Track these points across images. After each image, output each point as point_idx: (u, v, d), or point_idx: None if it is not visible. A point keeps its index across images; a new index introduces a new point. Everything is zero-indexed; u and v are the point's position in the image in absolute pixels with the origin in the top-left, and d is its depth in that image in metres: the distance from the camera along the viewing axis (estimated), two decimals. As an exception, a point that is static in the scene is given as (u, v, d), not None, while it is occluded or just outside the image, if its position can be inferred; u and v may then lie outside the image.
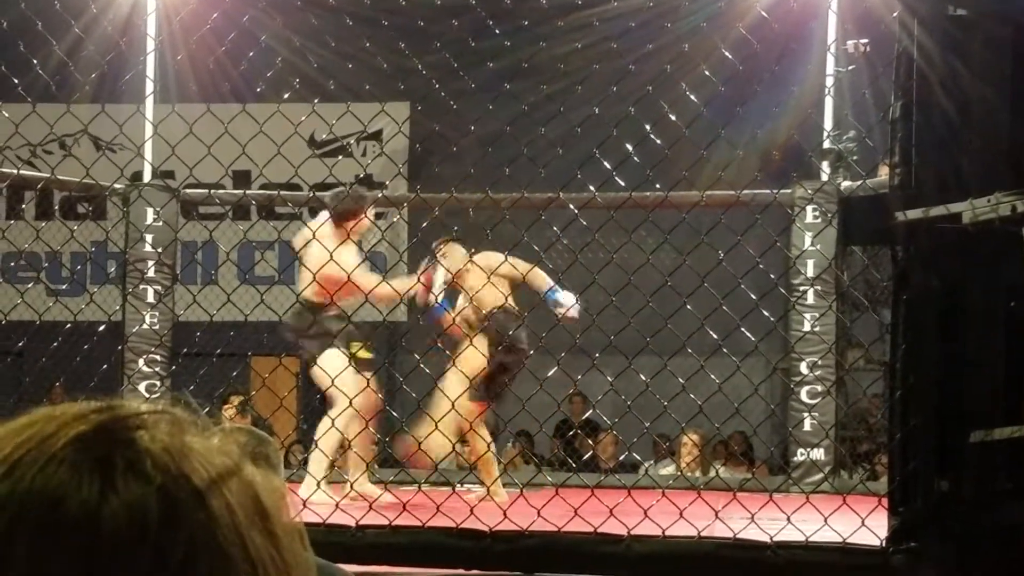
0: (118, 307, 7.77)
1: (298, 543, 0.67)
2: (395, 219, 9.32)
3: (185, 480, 0.62)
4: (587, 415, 9.70)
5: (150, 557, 0.60)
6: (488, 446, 6.50)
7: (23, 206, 10.03)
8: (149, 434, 0.64)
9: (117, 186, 7.90)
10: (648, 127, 5.12)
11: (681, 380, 5.01)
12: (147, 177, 8.01)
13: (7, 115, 5.37)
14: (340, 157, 9.95)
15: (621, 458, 8.92)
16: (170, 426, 0.65)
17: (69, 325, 7.09)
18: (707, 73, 5.16)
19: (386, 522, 4.65)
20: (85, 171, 6.19)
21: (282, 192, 8.11)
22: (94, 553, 0.60)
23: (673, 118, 5.16)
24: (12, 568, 0.59)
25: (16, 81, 5.39)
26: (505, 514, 4.80)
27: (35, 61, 5.47)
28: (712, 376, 5.20)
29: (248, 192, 9.02)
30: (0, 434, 0.64)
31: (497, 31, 5.66)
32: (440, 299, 6.63)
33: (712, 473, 7.97)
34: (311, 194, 7.96)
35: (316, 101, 5.26)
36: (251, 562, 0.63)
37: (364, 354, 6.48)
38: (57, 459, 0.61)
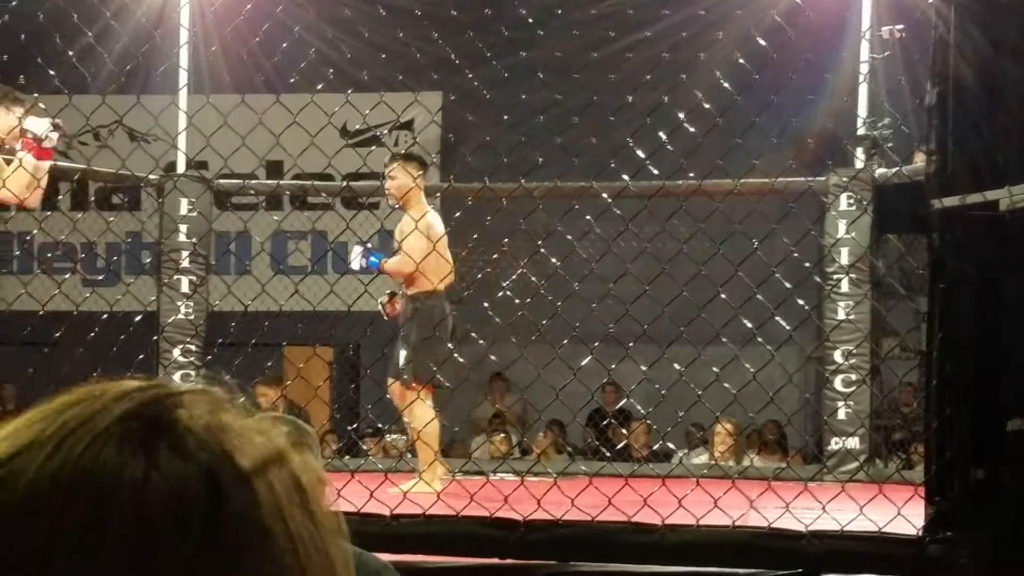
0: (153, 298, 7.81)
1: (337, 531, 0.68)
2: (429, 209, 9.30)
3: (227, 458, 0.64)
4: (620, 404, 9.69)
5: (196, 534, 0.61)
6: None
7: (59, 197, 10.10)
8: (189, 412, 0.65)
9: (152, 177, 7.94)
10: (682, 115, 5.09)
11: (715, 369, 4.99)
12: (181, 168, 8.04)
13: (44, 107, 5.41)
14: (373, 147, 9.96)
15: (655, 447, 8.92)
16: (210, 405, 0.67)
17: (105, 316, 7.13)
18: (741, 61, 5.12)
19: (420, 511, 4.66)
20: (121, 162, 6.22)
21: (316, 182, 8.13)
22: (141, 530, 0.61)
23: (707, 106, 5.14)
24: (61, 544, 0.61)
25: (52, 72, 5.41)
26: (539, 503, 4.80)
27: (70, 53, 5.50)
28: (747, 365, 5.18)
29: (281, 182, 9.04)
30: (45, 411, 0.66)
31: (531, 20, 5.65)
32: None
33: (746, 462, 7.95)
34: (343, 184, 7.98)
35: (350, 92, 5.27)
36: (291, 539, 0.64)
37: None
38: (103, 438, 0.63)
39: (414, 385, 6.25)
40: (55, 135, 5.54)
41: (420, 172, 6.31)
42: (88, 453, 0.62)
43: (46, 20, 5.57)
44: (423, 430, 6.15)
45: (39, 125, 5.48)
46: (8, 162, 5.42)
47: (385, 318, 6.74)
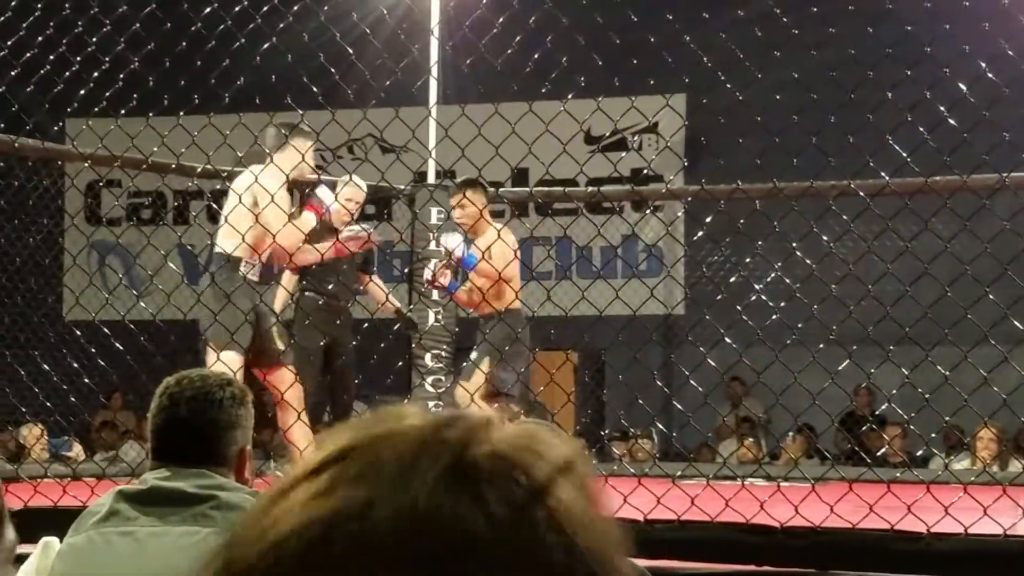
0: (411, 306, 8.01)
1: (617, 548, 0.68)
2: (679, 214, 9.27)
3: (544, 504, 0.66)
4: (875, 408, 9.45)
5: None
6: None
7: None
8: (492, 450, 0.67)
9: (403, 187, 8.16)
10: (944, 110, 4.92)
11: (984, 372, 4.79)
12: (431, 178, 8.24)
13: (308, 125, 5.66)
14: (620, 152, 10.00)
15: (918, 452, 8.64)
16: (516, 438, 0.68)
17: (366, 324, 7.37)
18: (1010, 52, 4.90)
19: (674, 516, 4.64)
20: (381, 174, 6.42)
21: (567, 189, 8.22)
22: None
23: (972, 100, 4.95)
24: None
25: (316, 89, 5.63)
26: (796, 509, 4.72)
27: (332, 70, 5.70)
28: (1016, 366, 4.95)
29: (533, 189, 9.16)
30: (355, 444, 0.68)
31: (784, 19, 5.55)
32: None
33: (1014, 468, 7.62)
34: (593, 189, 8.04)
35: (600, 99, 5.29)
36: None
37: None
38: (436, 494, 0.65)
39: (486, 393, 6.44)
40: (335, 207, 6.22)
41: (486, 197, 6.64)
42: (427, 506, 0.64)
43: (310, 38, 5.80)
44: None
45: (327, 197, 6.27)
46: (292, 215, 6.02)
47: (427, 286, 6.97)
